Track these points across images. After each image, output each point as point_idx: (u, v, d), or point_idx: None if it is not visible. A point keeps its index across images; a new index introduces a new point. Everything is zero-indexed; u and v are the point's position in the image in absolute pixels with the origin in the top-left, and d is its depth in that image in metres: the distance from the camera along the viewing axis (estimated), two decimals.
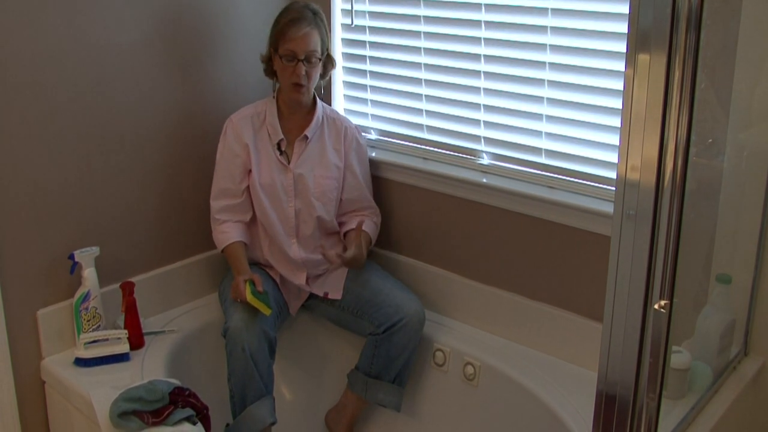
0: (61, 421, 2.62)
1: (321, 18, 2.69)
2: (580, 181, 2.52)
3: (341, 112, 3.09)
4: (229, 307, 2.65)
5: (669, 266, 1.37)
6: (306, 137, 2.74)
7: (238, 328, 2.55)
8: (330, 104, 3.10)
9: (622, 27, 2.28)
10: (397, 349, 2.71)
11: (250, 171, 2.73)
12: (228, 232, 2.75)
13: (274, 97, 2.77)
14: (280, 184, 2.73)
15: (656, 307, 1.40)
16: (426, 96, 2.86)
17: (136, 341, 2.65)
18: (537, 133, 2.59)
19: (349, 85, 3.10)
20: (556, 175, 2.57)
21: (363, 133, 3.02)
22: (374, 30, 2.96)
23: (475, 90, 2.70)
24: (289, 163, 2.74)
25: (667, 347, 1.43)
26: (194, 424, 2.31)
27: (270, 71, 2.76)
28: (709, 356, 2.06)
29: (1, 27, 2.29)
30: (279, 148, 2.74)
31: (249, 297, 2.52)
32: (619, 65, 2.31)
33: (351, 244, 2.74)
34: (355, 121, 3.07)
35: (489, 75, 2.66)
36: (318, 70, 2.69)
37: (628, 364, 1.43)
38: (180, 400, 2.32)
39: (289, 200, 2.74)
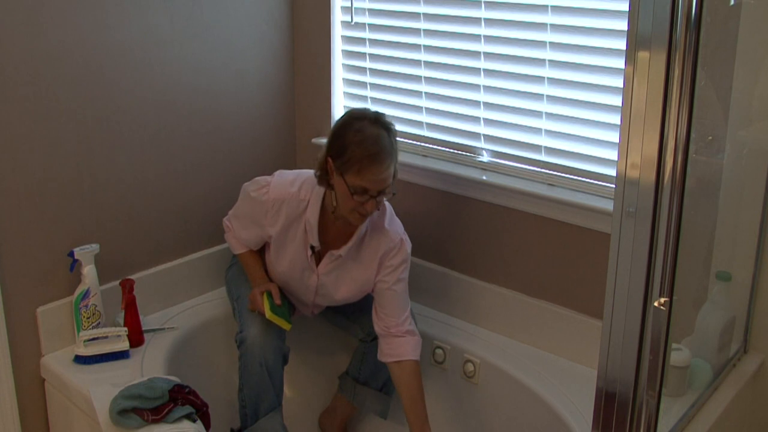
0: (60, 418, 2.62)
1: (395, 137, 2.39)
2: (580, 178, 2.52)
3: (341, 110, 3.08)
4: (244, 314, 2.58)
5: (669, 264, 1.37)
6: (340, 255, 2.52)
7: (256, 344, 2.50)
8: (329, 103, 3.10)
9: (622, 24, 2.28)
10: None
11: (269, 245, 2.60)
12: (240, 243, 2.68)
13: (323, 198, 2.48)
14: (303, 279, 2.59)
15: (656, 304, 1.40)
16: (426, 93, 2.86)
17: (136, 339, 2.65)
18: (537, 131, 2.59)
19: (348, 82, 3.09)
20: (555, 173, 2.57)
21: None
22: (374, 27, 2.95)
23: (475, 87, 2.70)
24: (317, 265, 2.57)
25: (666, 344, 1.43)
26: (194, 421, 2.31)
27: (324, 181, 2.43)
28: (709, 353, 2.06)
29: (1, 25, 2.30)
30: (311, 248, 2.53)
31: (269, 314, 2.47)
32: (619, 63, 2.31)
33: None
34: None
35: (489, 72, 2.65)
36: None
37: (628, 362, 1.43)
38: (180, 397, 2.32)
39: (308, 296, 2.64)
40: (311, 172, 2.51)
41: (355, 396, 2.76)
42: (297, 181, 2.53)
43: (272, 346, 2.51)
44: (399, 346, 2.51)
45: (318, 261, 2.57)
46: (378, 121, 2.36)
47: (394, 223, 2.57)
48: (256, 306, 2.53)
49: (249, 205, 2.59)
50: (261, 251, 2.70)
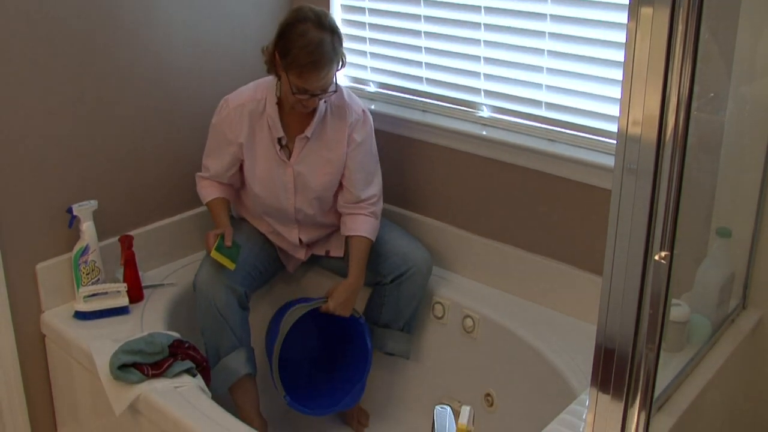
0: (61, 374, 2.64)
1: (339, 40, 2.47)
2: (581, 134, 2.51)
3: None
4: (202, 260, 2.65)
5: (669, 220, 1.37)
6: (306, 138, 2.61)
7: (205, 283, 2.57)
8: None
9: None
10: (406, 298, 2.72)
11: (243, 161, 2.66)
12: (210, 188, 2.73)
13: (277, 94, 2.58)
14: (279, 179, 2.65)
15: (656, 258, 1.40)
16: (425, 48, 2.83)
17: (136, 294, 2.66)
18: (537, 86, 2.57)
19: (348, 37, 3.06)
20: (556, 128, 2.56)
21: (362, 85, 3.00)
22: None
23: (475, 42, 2.67)
24: (289, 158, 2.64)
25: (667, 299, 1.43)
26: (194, 376, 2.33)
27: (273, 71, 2.54)
28: (708, 309, 2.06)
29: None
30: (279, 142, 2.62)
31: (213, 252, 2.52)
32: (622, 17, 2.29)
33: (336, 289, 2.64)
34: (354, 73, 3.06)
35: (489, 27, 2.63)
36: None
37: (628, 317, 1.43)
38: (180, 352, 2.34)
39: (288, 197, 2.67)
40: (265, 77, 2.63)
41: (375, 340, 2.80)
42: (251, 86, 2.65)
43: (221, 285, 2.56)
44: (363, 223, 2.68)
45: (289, 157, 2.64)
46: (321, 23, 2.42)
47: (353, 98, 2.68)
48: (206, 246, 2.58)
49: (215, 133, 2.67)
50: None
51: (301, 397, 2.65)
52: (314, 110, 2.58)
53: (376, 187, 2.72)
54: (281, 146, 2.62)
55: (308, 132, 2.60)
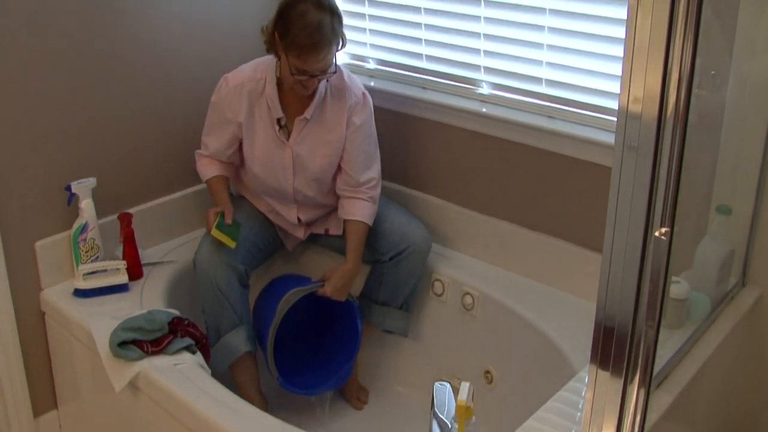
0: (61, 351, 2.64)
1: (339, 20, 2.46)
2: (581, 111, 2.50)
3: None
4: (202, 238, 2.65)
5: (670, 197, 1.37)
6: (306, 119, 2.60)
7: (205, 261, 2.57)
8: None
9: None
10: (405, 275, 2.72)
11: (242, 141, 2.66)
12: (209, 166, 2.73)
13: (277, 74, 2.57)
14: (278, 160, 2.64)
15: (657, 234, 1.39)
16: (425, 24, 2.81)
17: (135, 272, 2.66)
18: (537, 63, 2.56)
19: (347, 14, 3.03)
20: (556, 105, 2.55)
21: (361, 62, 2.99)
22: None
23: (476, 18, 2.66)
24: (288, 139, 2.62)
25: (667, 275, 1.42)
26: (193, 353, 2.33)
27: (273, 51, 2.52)
28: (708, 286, 2.07)
29: None
30: (278, 123, 2.61)
31: (213, 230, 2.52)
32: None
33: (334, 274, 2.63)
34: (353, 50, 3.04)
35: (489, 3, 2.61)
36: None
37: (628, 294, 1.43)
38: (179, 329, 2.34)
39: (287, 178, 2.66)
40: (265, 56, 2.61)
41: (374, 318, 2.80)
42: (251, 65, 2.63)
43: (221, 263, 2.56)
44: (361, 208, 2.66)
45: (288, 138, 2.62)
46: (321, 4, 2.41)
47: (353, 80, 2.66)
48: (206, 224, 2.58)
49: (214, 111, 2.66)
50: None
51: (290, 375, 2.66)
52: (314, 91, 2.56)
53: (374, 171, 2.71)
54: (280, 127, 2.61)
55: (307, 113, 2.58)
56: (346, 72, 2.65)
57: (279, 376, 2.60)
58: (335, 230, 2.82)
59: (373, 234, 2.71)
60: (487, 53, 2.68)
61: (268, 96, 2.58)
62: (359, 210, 2.66)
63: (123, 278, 2.60)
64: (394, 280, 2.73)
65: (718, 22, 1.86)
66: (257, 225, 2.77)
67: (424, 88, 2.88)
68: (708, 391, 2.04)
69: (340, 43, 2.48)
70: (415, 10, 2.82)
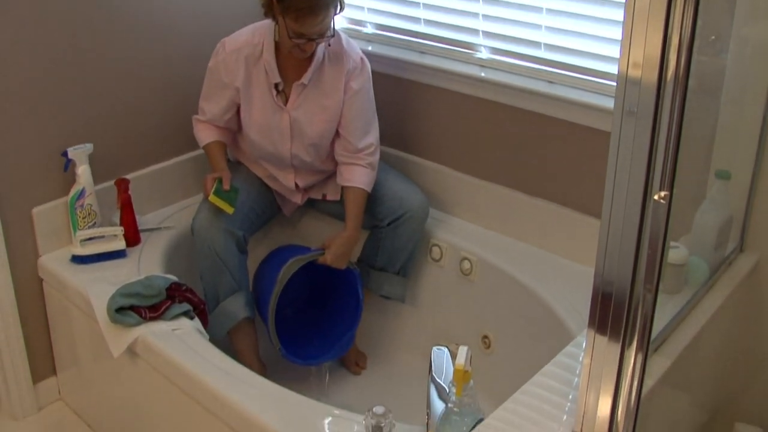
0: (59, 317, 2.65)
1: None
2: (580, 75, 2.48)
3: None
4: (199, 205, 2.65)
5: (669, 163, 1.36)
6: (303, 84, 2.58)
7: (203, 227, 2.57)
8: None
9: None
10: (402, 241, 2.72)
11: (239, 106, 2.65)
12: (207, 131, 2.72)
13: (275, 38, 2.55)
14: (276, 125, 2.63)
15: (656, 198, 1.39)
16: None
17: (133, 238, 2.66)
18: (536, 27, 2.54)
19: None
20: (555, 70, 2.54)
21: (359, 26, 2.97)
22: None
23: None
24: (286, 104, 2.61)
25: (665, 239, 1.42)
26: (191, 318, 2.34)
27: (270, 14, 2.50)
28: (706, 252, 2.07)
29: None
30: (276, 88, 2.59)
31: (211, 196, 2.51)
32: None
33: (333, 242, 2.62)
34: (351, 14, 3.01)
35: None
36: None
37: (626, 258, 1.43)
38: (177, 295, 2.35)
39: (285, 143, 2.65)
40: (263, 21, 2.58)
41: (371, 283, 2.81)
42: (248, 29, 2.61)
43: (219, 229, 2.56)
44: (360, 175, 2.65)
45: (286, 103, 2.61)
46: None
47: (351, 45, 2.64)
48: (204, 190, 2.57)
49: (211, 76, 2.65)
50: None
51: (291, 344, 2.67)
52: (312, 56, 2.55)
53: (373, 137, 2.69)
54: (278, 92, 2.59)
55: (305, 79, 2.57)
56: (344, 37, 2.63)
57: (281, 347, 2.60)
58: (333, 195, 2.81)
59: (371, 199, 2.70)
60: (486, 17, 2.66)
61: (266, 61, 2.56)
62: (358, 177, 2.65)
63: (120, 244, 2.59)
64: (391, 246, 2.72)
65: None
66: (255, 190, 2.76)
67: (422, 52, 2.86)
68: (705, 356, 2.05)
69: (338, 7, 2.46)
70: None
